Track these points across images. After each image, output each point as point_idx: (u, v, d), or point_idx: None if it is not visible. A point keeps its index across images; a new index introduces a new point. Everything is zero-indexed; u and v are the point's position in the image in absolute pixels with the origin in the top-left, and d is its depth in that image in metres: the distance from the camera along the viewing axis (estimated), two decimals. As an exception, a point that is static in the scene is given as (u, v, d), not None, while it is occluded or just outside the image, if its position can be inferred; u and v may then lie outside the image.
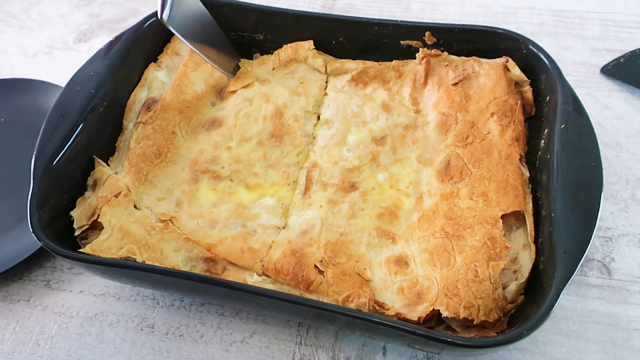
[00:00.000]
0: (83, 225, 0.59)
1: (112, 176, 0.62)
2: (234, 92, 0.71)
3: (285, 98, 0.70)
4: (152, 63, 0.72)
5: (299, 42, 0.73)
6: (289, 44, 0.73)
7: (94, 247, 0.56)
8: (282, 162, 0.65)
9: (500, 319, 0.51)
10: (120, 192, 0.60)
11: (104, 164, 0.64)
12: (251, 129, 0.68)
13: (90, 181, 0.63)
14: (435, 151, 0.64)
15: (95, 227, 0.60)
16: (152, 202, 0.62)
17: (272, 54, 0.75)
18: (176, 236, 0.58)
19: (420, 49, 0.70)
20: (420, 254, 0.56)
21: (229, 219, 0.61)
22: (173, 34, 0.74)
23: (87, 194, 0.62)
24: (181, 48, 0.74)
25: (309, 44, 0.73)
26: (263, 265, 0.56)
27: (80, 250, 0.56)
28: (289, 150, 0.67)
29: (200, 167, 0.65)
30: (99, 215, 0.58)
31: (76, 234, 0.59)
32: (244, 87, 0.71)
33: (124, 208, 0.60)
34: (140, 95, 0.70)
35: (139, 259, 0.56)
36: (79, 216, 0.59)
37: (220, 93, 0.72)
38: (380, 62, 0.71)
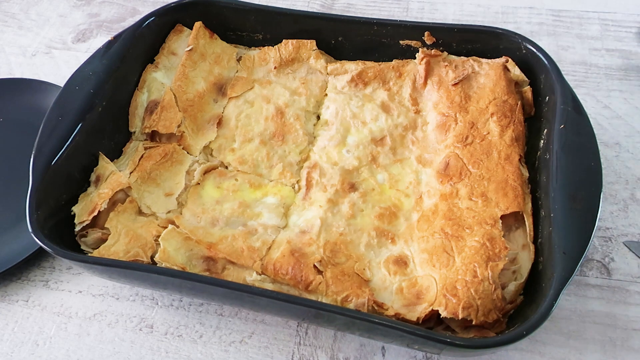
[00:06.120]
0: (84, 221, 0.59)
1: (114, 172, 0.62)
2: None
3: (286, 98, 0.70)
4: (149, 64, 0.72)
5: (300, 40, 0.73)
6: (289, 40, 0.73)
7: (102, 251, 0.57)
8: (285, 161, 0.66)
9: (499, 320, 0.51)
10: (126, 199, 0.61)
11: (108, 160, 0.64)
12: (253, 130, 0.68)
13: (93, 177, 0.63)
14: (435, 151, 0.64)
15: (96, 225, 0.60)
16: (153, 200, 0.62)
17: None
18: (177, 235, 0.58)
19: (420, 49, 0.70)
20: (420, 255, 0.56)
21: (230, 217, 0.61)
22: (170, 33, 0.74)
23: (90, 189, 0.62)
24: (177, 47, 0.74)
25: (312, 43, 0.73)
26: (262, 265, 0.56)
27: (89, 255, 0.57)
28: (292, 149, 0.67)
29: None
30: (99, 212, 0.59)
31: (77, 229, 0.59)
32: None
33: (129, 214, 0.60)
34: (140, 98, 0.70)
35: (145, 262, 0.56)
36: (80, 212, 0.60)
37: (221, 89, 0.72)
38: (380, 62, 0.71)
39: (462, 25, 0.70)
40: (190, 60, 0.71)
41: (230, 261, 0.57)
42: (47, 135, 0.60)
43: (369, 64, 0.71)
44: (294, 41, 0.73)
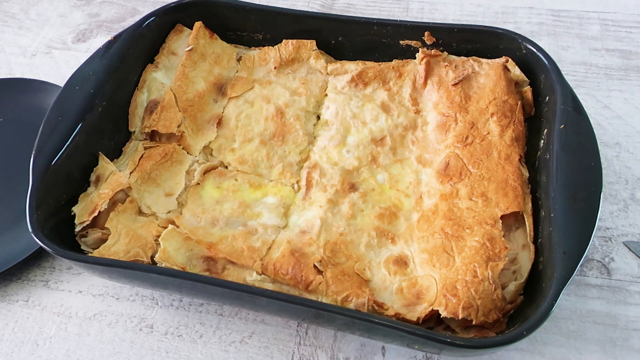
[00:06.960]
0: (84, 221, 0.59)
1: (114, 172, 0.62)
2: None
3: (286, 98, 0.70)
4: (149, 64, 0.72)
5: (300, 40, 0.73)
6: (289, 40, 0.73)
7: (102, 251, 0.57)
8: (285, 161, 0.66)
9: (499, 320, 0.51)
10: (126, 199, 0.61)
11: (108, 160, 0.64)
12: (253, 130, 0.68)
13: (93, 177, 0.63)
14: (435, 151, 0.64)
15: (96, 225, 0.60)
16: (153, 200, 0.62)
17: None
18: (177, 235, 0.58)
19: (420, 49, 0.70)
20: (420, 255, 0.56)
21: (230, 217, 0.61)
22: (170, 33, 0.74)
23: (90, 189, 0.62)
24: (177, 47, 0.74)
25: (312, 44, 0.72)
26: (262, 264, 0.56)
27: (90, 255, 0.57)
28: (292, 149, 0.67)
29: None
30: (99, 212, 0.59)
31: (77, 229, 0.59)
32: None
33: (130, 214, 0.60)
34: (140, 98, 0.70)
35: (146, 262, 0.56)
36: (81, 212, 0.60)
37: (221, 89, 0.72)
38: (380, 63, 0.71)
39: (462, 25, 0.70)
40: (190, 60, 0.71)
41: (230, 261, 0.57)
42: (47, 135, 0.60)
43: (369, 64, 0.71)
44: (294, 41, 0.73)
